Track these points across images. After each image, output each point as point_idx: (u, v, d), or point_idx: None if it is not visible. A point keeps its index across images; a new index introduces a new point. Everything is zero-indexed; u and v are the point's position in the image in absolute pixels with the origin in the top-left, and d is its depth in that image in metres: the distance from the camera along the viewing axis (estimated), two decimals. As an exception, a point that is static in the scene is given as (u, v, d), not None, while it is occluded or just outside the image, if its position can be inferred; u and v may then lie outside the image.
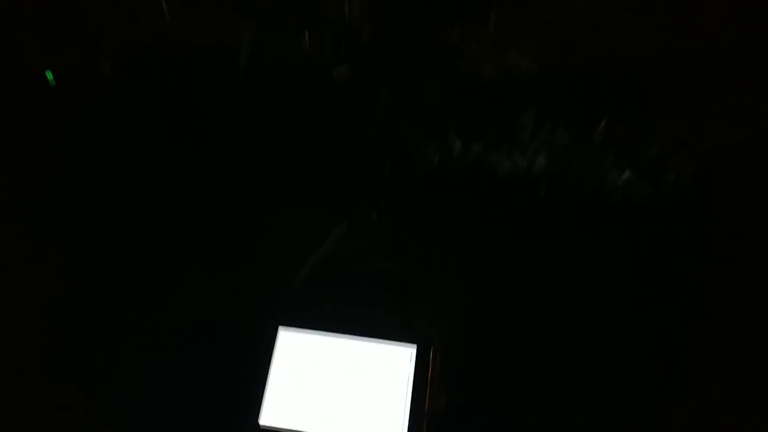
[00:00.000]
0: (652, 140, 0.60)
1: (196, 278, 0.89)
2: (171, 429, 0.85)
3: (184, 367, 0.87)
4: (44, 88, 1.13)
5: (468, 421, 0.77)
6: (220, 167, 1.02)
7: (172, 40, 0.86)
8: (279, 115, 0.96)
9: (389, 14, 0.69)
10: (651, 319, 0.84)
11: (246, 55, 0.88)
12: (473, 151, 0.63)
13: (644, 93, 0.69)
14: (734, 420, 0.85)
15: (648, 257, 0.86)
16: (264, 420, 0.78)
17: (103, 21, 1.04)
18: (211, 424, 0.84)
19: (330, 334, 0.81)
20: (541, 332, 0.89)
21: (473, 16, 0.63)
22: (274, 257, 0.88)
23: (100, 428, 0.88)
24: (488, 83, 0.64)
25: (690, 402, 0.84)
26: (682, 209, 0.71)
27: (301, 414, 0.79)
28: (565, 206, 0.63)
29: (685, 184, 0.64)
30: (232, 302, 0.85)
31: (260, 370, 0.79)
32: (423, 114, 0.68)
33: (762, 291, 0.87)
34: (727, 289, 0.90)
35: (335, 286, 0.84)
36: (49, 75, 1.32)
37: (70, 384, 0.93)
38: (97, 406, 0.90)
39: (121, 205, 1.05)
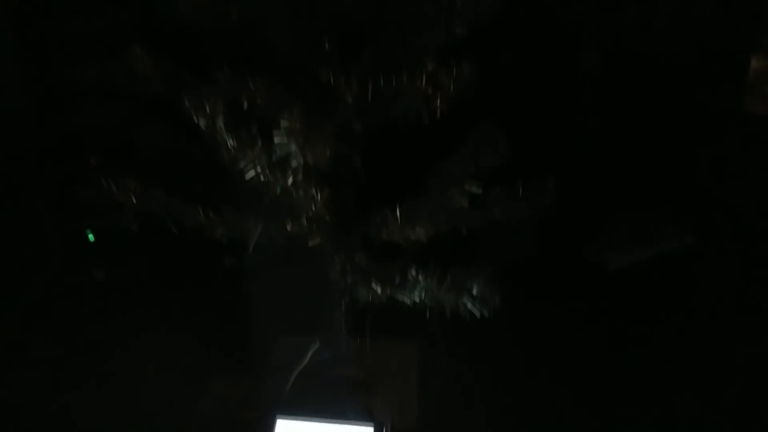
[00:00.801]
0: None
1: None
2: None
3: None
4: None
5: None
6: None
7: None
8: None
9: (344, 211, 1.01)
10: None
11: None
12: (389, 292, 0.98)
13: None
14: None
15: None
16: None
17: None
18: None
19: (311, 419, 1.17)
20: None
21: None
22: (271, 368, 1.24)
23: None
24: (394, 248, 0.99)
25: None
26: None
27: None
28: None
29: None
30: (243, 403, 1.21)
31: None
32: (358, 271, 1.03)
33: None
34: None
35: (315, 387, 1.19)
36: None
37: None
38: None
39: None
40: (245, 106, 0.91)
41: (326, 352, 1.20)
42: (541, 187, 1.03)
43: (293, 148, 0.79)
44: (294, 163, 0.81)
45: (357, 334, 1.19)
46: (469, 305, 0.83)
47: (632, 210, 2.08)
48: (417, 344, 1.31)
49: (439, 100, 0.88)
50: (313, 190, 0.97)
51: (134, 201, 0.96)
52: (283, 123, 0.81)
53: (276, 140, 0.80)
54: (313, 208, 0.99)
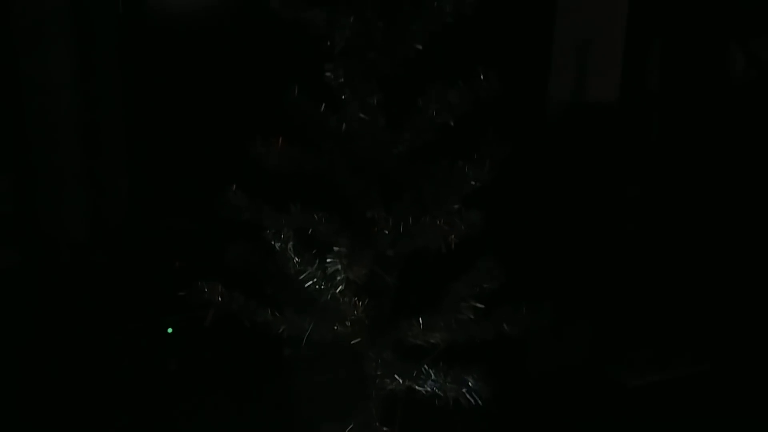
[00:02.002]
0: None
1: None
2: None
3: None
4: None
5: None
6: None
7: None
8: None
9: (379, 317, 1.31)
10: None
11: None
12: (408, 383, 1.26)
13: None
14: None
15: None
16: None
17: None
18: None
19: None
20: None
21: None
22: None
23: None
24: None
25: None
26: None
27: None
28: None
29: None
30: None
31: None
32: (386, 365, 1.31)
33: None
34: None
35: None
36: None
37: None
38: None
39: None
40: (309, 232, 1.24)
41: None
42: (541, 307, 1.29)
43: (339, 267, 1.10)
44: (339, 278, 1.12)
45: (388, 424, 1.44)
46: (467, 395, 1.08)
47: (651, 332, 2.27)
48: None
49: (453, 236, 1.18)
50: (355, 299, 1.26)
51: (220, 300, 1.28)
52: (336, 248, 1.13)
53: (327, 260, 1.12)
54: (355, 314, 1.29)
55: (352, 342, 1.31)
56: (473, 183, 1.15)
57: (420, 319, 1.23)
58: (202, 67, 2.08)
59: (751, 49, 3.00)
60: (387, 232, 1.20)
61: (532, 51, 2.56)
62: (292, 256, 1.16)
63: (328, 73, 1.11)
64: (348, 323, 1.30)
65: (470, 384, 1.10)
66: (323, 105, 1.24)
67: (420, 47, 1.19)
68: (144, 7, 1.97)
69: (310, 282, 1.20)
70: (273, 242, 1.14)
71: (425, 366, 1.14)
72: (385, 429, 1.34)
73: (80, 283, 2.32)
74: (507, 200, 2.42)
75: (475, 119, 1.27)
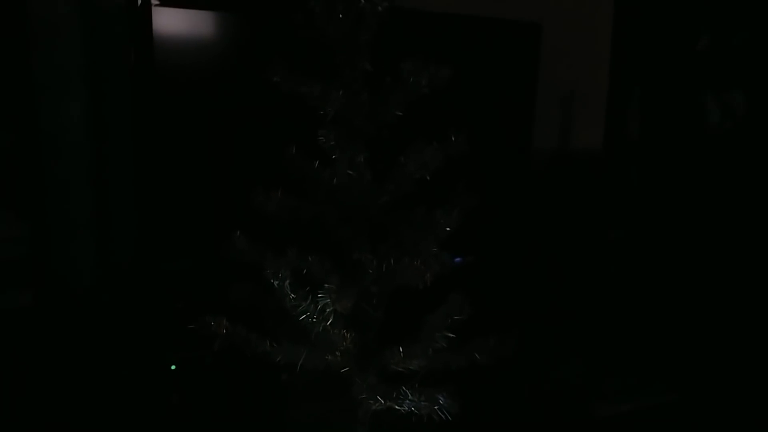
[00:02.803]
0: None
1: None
2: None
3: None
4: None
5: None
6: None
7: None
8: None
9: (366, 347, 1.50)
10: None
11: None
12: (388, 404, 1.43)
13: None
14: None
15: None
16: None
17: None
18: None
19: None
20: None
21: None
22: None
23: None
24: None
25: None
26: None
27: None
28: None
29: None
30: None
31: None
32: (370, 389, 1.48)
33: None
34: None
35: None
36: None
37: None
38: None
39: None
40: (304, 272, 1.43)
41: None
42: (505, 338, 1.48)
43: (328, 301, 1.29)
44: (328, 310, 1.30)
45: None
46: (438, 412, 1.26)
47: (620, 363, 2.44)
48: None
49: (428, 275, 1.38)
50: (344, 332, 1.44)
51: (225, 333, 1.46)
52: (327, 286, 1.32)
53: (319, 296, 1.31)
54: (344, 344, 1.47)
55: (342, 370, 1.49)
56: (447, 229, 1.35)
57: (401, 348, 1.40)
58: (210, 122, 2.29)
59: (725, 101, 3.26)
60: (371, 271, 1.39)
61: (516, 104, 2.79)
62: (289, 292, 1.34)
63: (321, 138, 1.31)
64: (338, 353, 1.47)
65: (441, 402, 1.28)
66: (317, 162, 1.45)
67: (400, 113, 1.40)
68: (153, 62, 2.17)
69: (304, 315, 1.38)
70: (272, 281, 1.32)
71: (403, 388, 1.32)
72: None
73: (89, 323, 2.49)
74: (490, 242, 2.63)
75: (456, 172, 1.48)
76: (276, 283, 1.34)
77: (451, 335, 1.37)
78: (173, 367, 2.42)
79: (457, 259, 2.12)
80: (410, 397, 1.31)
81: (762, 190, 3.05)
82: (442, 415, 1.30)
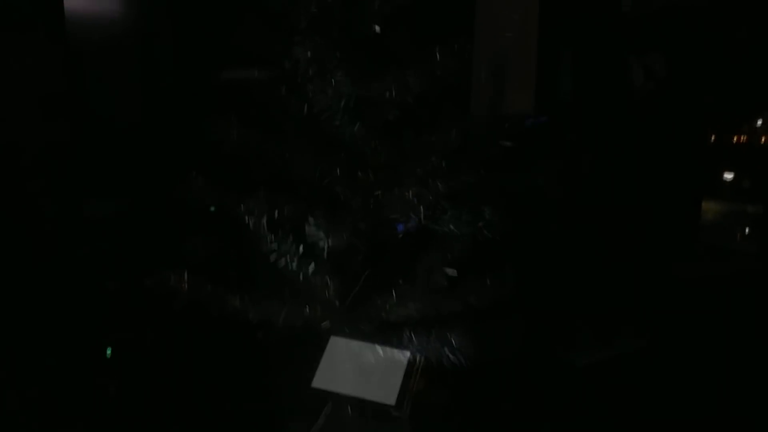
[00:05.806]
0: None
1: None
2: None
3: None
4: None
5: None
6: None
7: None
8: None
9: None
10: None
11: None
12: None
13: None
14: None
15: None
16: None
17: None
18: None
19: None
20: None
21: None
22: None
23: None
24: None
25: None
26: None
27: None
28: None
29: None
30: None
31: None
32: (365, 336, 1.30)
33: None
34: None
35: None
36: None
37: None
38: None
39: None
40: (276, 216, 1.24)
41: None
42: (502, 276, 1.34)
43: (321, 234, 1.10)
44: (321, 245, 1.12)
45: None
46: (450, 356, 1.11)
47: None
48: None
49: (421, 206, 1.22)
50: (327, 279, 1.27)
51: (186, 288, 1.24)
52: (312, 220, 1.13)
53: (307, 230, 1.12)
54: (326, 294, 1.29)
55: (322, 324, 1.31)
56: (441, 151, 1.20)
57: (394, 292, 1.24)
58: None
59: (647, 63, 3.31)
60: (355, 206, 1.22)
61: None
62: (266, 233, 1.15)
63: (296, 47, 1.12)
64: (318, 306, 1.29)
65: (453, 342, 1.12)
66: (284, 87, 1.25)
67: (377, 27, 1.22)
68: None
69: (282, 260, 1.19)
70: (247, 218, 1.13)
71: (407, 332, 1.16)
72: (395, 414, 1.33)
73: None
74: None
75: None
76: (252, 221, 1.14)
77: (452, 271, 1.22)
78: (108, 351, 2.16)
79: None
80: (416, 340, 1.15)
81: (679, 144, 3.16)
82: (455, 358, 1.14)
